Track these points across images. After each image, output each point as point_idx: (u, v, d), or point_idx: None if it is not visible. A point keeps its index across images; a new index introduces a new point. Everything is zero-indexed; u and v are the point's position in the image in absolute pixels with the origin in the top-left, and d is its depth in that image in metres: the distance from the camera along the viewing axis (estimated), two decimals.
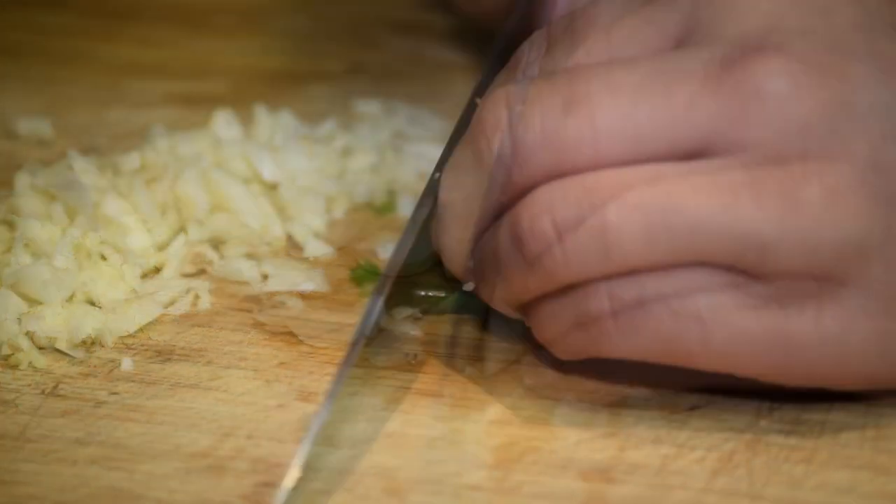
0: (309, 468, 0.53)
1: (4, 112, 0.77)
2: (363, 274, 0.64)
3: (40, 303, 0.60)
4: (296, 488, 0.52)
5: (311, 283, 0.64)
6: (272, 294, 0.64)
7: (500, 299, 0.56)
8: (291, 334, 0.61)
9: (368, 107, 0.78)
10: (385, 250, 0.66)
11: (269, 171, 0.67)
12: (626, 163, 0.52)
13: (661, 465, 0.53)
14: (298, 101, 0.78)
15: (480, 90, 0.59)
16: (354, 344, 0.54)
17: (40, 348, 0.60)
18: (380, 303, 0.55)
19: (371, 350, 0.60)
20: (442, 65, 0.84)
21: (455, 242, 0.57)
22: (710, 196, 0.51)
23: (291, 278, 0.64)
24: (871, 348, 0.52)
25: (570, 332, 0.54)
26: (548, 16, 0.59)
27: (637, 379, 0.57)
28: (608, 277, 0.52)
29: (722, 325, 0.52)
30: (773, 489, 0.52)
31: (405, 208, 0.70)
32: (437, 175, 0.57)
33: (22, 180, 0.64)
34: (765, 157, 0.51)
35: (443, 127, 0.77)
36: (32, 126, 0.76)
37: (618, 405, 0.56)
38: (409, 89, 0.81)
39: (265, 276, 0.65)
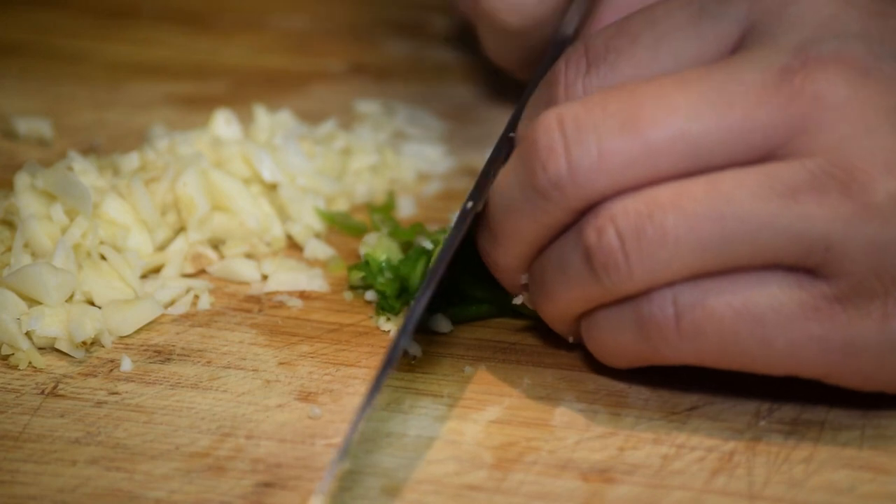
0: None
1: (4, 112, 0.78)
2: (359, 272, 0.64)
3: (40, 303, 0.60)
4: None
5: (311, 283, 0.64)
6: (272, 294, 0.64)
7: (559, 312, 0.56)
8: (291, 334, 0.61)
9: (368, 107, 0.78)
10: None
11: (268, 171, 0.67)
12: (686, 177, 0.52)
13: (661, 465, 0.53)
14: (298, 101, 0.78)
15: (513, 127, 0.58)
16: (390, 359, 0.54)
17: (40, 348, 0.60)
18: (418, 314, 0.55)
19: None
20: (442, 65, 0.84)
21: (508, 259, 0.56)
22: (770, 199, 0.51)
23: (291, 278, 0.64)
24: None
25: (630, 340, 0.54)
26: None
27: (636, 387, 0.57)
28: (671, 284, 0.52)
29: (785, 328, 0.52)
30: (772, 489, 0.52)
31: (405, 208, 0.70)
32: (470, 204, 0.56)
33: (22, 180, 0.64)
34: (829, 163, 0.51)
35: (442, 127, 0.77)
36: (32, 126, 0.76)
37: (617, 405, 0.56)
38: (409, 89, 0.81)
39: (265, 276, 0.65)
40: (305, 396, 0.57)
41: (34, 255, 0.62)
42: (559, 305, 0.55)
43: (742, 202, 0.51)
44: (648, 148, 0.52)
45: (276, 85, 0.81)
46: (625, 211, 0.52)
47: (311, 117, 0.75)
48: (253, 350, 0.60)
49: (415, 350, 0.59)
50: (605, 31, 0.56)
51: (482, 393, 0.57)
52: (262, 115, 0.72)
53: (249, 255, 0.66)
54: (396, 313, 0.61)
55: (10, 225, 0.64)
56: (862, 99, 0.51)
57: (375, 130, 0.75)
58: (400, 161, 0.72)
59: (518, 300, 0.58)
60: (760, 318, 0.52)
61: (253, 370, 0.59)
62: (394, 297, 0.61)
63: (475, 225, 0.57)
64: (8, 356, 0.59)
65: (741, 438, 0.54)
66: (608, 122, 0.52)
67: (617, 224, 0.52)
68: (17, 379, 0.58)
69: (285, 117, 0.73)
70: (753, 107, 0.51)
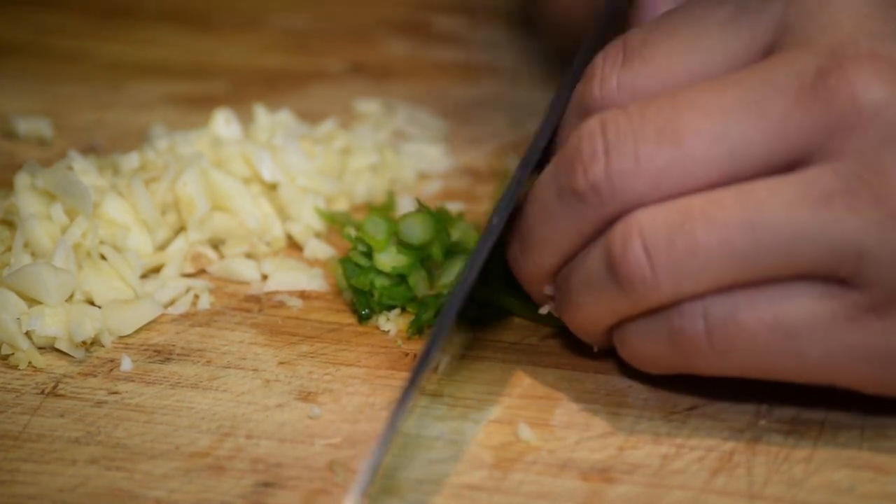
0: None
1: (4, 112, 0.78)
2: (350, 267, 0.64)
3: (40, 303, 0.60)
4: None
5: (310, 283, 0.64)
6: (272, 294, 0.64)
7: (587, 324, 0.56)
8: (291, 334, 0.61)
9: (368, 106, 0.78)
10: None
11: (268, 171, 0.67)
12: (722, 184, 0.52)
13: (661, 465, 0.53)
14: (298, 101, 0.78)
15: (553, 115, 0.58)
16: (417, 374, 0.53)
17: (40, 348, 0.60)
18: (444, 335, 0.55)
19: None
20: (442, 65, 0.84)
21: (538, 268, 0.56)
22: (802, 208, 0.50)
23: (291, 278, 0.64)
24: None
25: (662, 351, 0.53)
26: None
27: (636, 386, 0.57)
28: (701, 296, 0.52)
29: (818, 339, 0.51)
30: (772, 489, 0.52)
31: (405, 208, 0.70)
32: (496, 220, 0.56)
33: (22, 180, 0.64)
34: (861, 166, 0.50)
35: (442, 126, 0.77)
36: (32, 126, 0.76)
37: (617, 405, 0.56)
38: (409, 89, 0.81)
39: (265, 276, 0.65)
40: (305, 396, 0.57)
41: (34, 255, 0.62)
42: (587, 317, 0.55)
43: (774, 211, 0.50)
44: (685, 154, 0.51)
45: (276, 85, 0.81)
46: (653, 221, 0.51)
47: (311, 117, 0.75)
48: (253, 350, 0.60)
49: (443, 365, 0.59)
50: (644, 25, 0.56)
51: (482, 393, 0.57)
52: (262, 114, 0.72)
53: (249, 255, 0.66)
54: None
55: (10, 225, 0.64)
56: None
57: (375, 130, 0.75)
58: (400, 160, 0.72)
59: (544, 310, 0.58)
60: (793, 330, 0.51)
61: (253, 370, 0.59)
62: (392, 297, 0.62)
63: (504, 236, 0.57)
64: (8, 356, 0.59)
65: (741, 438, 0.54)
66: (646, 129, 0.52)
67: (644, 235, 0.51)
68: (17, 379, 0.58)
69: (285, 117, 0.73)
70: (789, 110, 0.51)
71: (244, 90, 0.81)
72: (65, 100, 0.80)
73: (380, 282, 0.62)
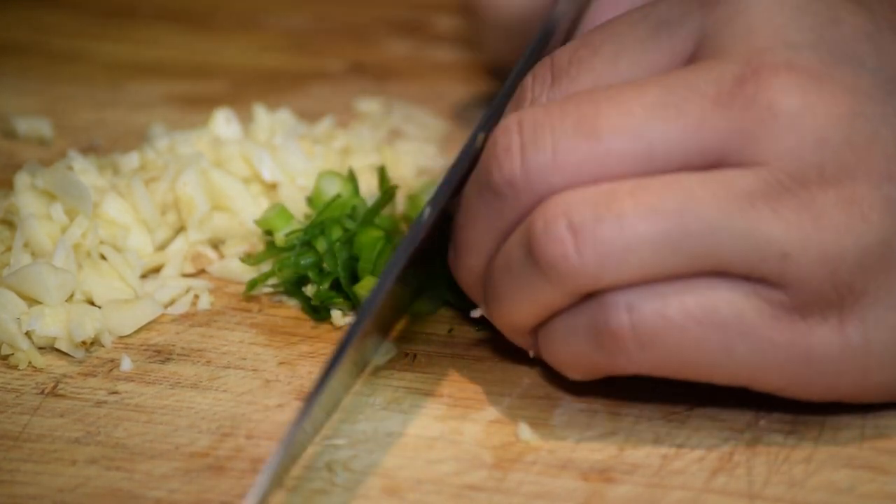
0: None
1: (4, 112, 0.78)
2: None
3: (40, 303, 0.60)
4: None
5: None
6: (272, 294, 0.64)
7: (511, 321, 0.55)
8: (291, 334, 0.61)
9: (368, 106, 0.78)
10: None
11: (268, 171, 0.67)
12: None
13: (661, 465, 0.53)
14: (298, 101, 0.78)
15: (485, 125, 0.58)
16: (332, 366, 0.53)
17: (40, 348, 0.60)
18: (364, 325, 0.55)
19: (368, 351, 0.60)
20: (442, 65, 0.84)
21: (467, 272, 0.56)
22: (729, 201, 0.50)
23: None
24: (893, 361, 0.52)
25: (584, 349, 0.53)
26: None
27: (636, 387, 0.57)
28: (625, 286, 0.51)
29: (746, 334, 0.51)
30: (772, 489, 0.52)
31: (401, 207, 0.70)
32: (427, 211, 0.56)
33: (22, 180, 0.64)
34: (781, 172, 0.51)
35: (441, 126, 0.77)
36: (32, 126, 0.76)
37: (617, 405, 0.56)
38: (409, 89, 0.81)
39: None
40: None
41: (34, 254, 0.62)
42: (510, 312, 0.54)
43: (702, 200, 0.50)
44: (603, 148, 0.52)
45: (275, 84, 0.81)
46: (580, 200, 0.51)
47: (311, 117, 0.75)
48: (253, 350, 0.60)
49: (385, 350, 0.59)
50: (571, 44, 0.56)
51: (482, 393, 0.57)
52: (261, 114, 0.72)
53: (249, 255, 0.66)
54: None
55: (10, 225, 0.64)
56: (814, 107, 0.51)
57: (374, 130, 0.75)
58: (399, 160, 0.72)
59: (476, 313, 0.58)
60: (721, 324, 0.51)
61: (253, 370, 0.59)
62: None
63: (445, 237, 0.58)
64: (8, 356, 0.59)
65: (741, 438, 0.54)
66: (565, 124, 0.52)
67: (569, 214, 0.51)
68: (17, 379, 0.58)
69: (285, 117, 0.73)
70: (707, 112, 0.51)
71: (244, 90, 0.81)
72: (65, 100, 0.80)
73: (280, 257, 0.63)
